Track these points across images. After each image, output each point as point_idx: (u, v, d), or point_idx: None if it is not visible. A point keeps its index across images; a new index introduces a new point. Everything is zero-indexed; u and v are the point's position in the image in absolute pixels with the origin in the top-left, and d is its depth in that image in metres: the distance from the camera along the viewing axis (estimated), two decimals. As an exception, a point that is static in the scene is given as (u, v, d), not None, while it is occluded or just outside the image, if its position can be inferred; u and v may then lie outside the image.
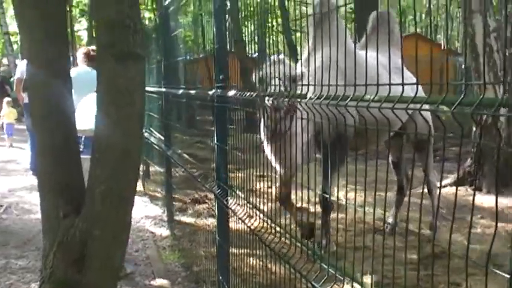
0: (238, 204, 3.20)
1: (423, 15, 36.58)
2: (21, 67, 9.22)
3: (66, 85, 2.86)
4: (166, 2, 6.29)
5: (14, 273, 5.08)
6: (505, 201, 6.78)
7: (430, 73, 1.39)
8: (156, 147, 7.18)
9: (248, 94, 2.95)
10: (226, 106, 3.60)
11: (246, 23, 3.82)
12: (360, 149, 4.93)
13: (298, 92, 2.62)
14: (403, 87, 1.53)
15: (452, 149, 9.76)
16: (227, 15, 4.04)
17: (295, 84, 3.95)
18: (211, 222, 4.55)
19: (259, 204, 3.00)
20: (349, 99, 1.72)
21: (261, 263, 3.68)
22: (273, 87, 3.45)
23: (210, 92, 3.72)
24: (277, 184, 4.50)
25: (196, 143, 12.51)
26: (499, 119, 7.34)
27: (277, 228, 2.62)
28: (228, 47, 3.84)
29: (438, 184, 6.30)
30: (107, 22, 2.62)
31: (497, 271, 1.30)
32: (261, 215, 2.85)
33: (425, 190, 5.68)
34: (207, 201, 6.17)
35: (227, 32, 3.74)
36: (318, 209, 4.81)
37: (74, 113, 3.05)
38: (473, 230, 5.36)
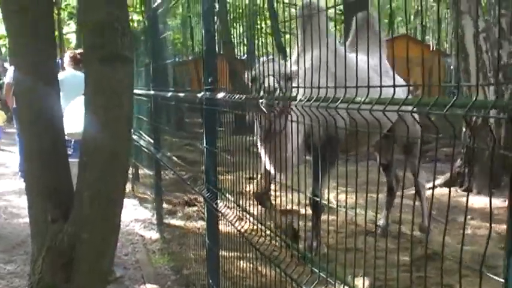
0: (228, 207, 3.18)
1: (412, 17, 36.76)
2: (11, 71, 9.17)
3: (53, 89, 2.84)
4: (155, 4, 6.27)
5: (3, 278, 5.04)
6: (495, 202, 6.80)
7: (422, 75, 1.38)
8: (146, 150, 7.14)
9: (237, 96, 2.93)
10: (215, 109, 3.58)
11: (234, 24, 3.80)
12: (350, 151, 4.93)
13: (292, 91, 2.61)
14: (394, 90, 1.52)
15: (443, 149, 9.78)
16: (216, 17, 4.02)
17: (290, 82, 3.92)
18: (201, 225, 4.53)
19: (249, 206, 2.98)
20: (339, 101, 1.70)
21: (251, 266, 3.66)
22: (267, 86, 3.44)
23: (199, 95, 3.70)
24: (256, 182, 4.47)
25: (185, 146, 12.47)
26: (489, 120, 7.37)
27: (267, 232, 2.60)
28: (216, 49, 3.82)
29: (428, 185, 6.32)
30: (95, 24, 2.61)
31: (492, 275, 1.29)
32: (251, 218, 2.83)
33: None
34: (196, 203, 6.16)
35: (216, 34, 3.72)
36: (309, 211, 4.80)
37: (62, 117, 3.02)
38: (465, 231, 5.35)
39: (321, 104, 1.83)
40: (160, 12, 6.20)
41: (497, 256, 4.61)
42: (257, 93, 3.73)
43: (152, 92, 6.39)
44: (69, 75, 6.63)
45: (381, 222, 5.84)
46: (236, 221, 2.95)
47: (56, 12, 23.23)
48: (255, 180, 4.45)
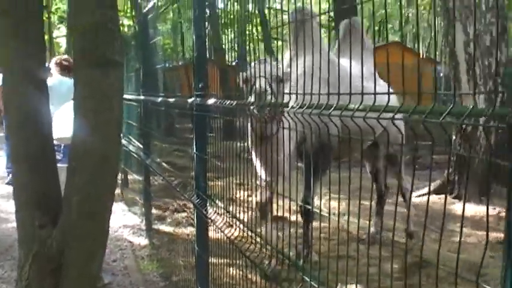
0: (218, 213, 3.16)
1: (403, 24, 36.91)
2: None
3: (43, 93, 2.81)
4: (146, 9, 6.25)
5: (-11, 283, 4.99)
6: (484, 209, 6.81)
7: (418, 83, 1.37)
8: (135, 155, 7.11)
9: (228, 102, 2.91)
10: (206, 114, 3.56)
11: (225, 31, 3.80)
12: (343, 157, 4.92)
13: (284, 97, 2.60)
14: (388, 97, 1.50)
15: (433, 157, 9.80)
16: (207, 23, 4.01)
17: (282, 84, 3.90)
18: (191, 231, 4.50)
19: (239, 213, 2.96)
20: (332, 108, 1.69)
21: (241, 273, 3.64)
22: (258, 88, 3.43)
23: (189, 100, 3.68)
24: (259, 192, 4.44)
25: (174, 151, 12.44)
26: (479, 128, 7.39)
27: (258, 239, 2.58)
28: (207, 55, 3.81)
29: (418, 193, 6.33)
30: (85, 28, 2.59)
31: (487, 286, 1.28)
32: (241, 226, 2.81)
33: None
34: (186, 209, 6.13)
35: (207, 40, 3.71)
36: (299, 218, 4.78)
37: (51, 122, 2.99)
38: (454, 238, 5.36)
39: (314, 111, 1.81)
40: (150, 17, 6.19)
41: (488, 264, 4.62)
42: (249, 94, 3.72)
43: (142, 97, 6.36)
44: (57, 82, 6.58)
45: (372, 229, 5.84)
46: (226, 227, 2.93)
47: (46, 16, 23.18)
48: (257, 192, 4.42)
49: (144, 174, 6.50)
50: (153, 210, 6.74)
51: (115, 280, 5.16)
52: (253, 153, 4.22)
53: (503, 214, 6.79)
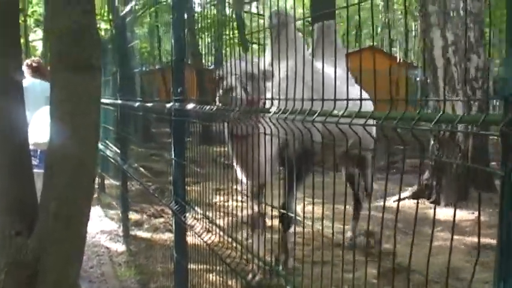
0: (196, 218, 3.13)
1: (379, 29, 37.20)
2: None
3: (18, 97, 2.76)
4: (123, 13, 6.20)
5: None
6: (462, 214, 6.86)
7: (406, 89, 1.35)
8: (112, 160, 7.04)
9: (208, 108, 2.88)
10: (185, 120, 3.52)
11: (202, 35, 3.77)
12: (325, 162, 4.91)
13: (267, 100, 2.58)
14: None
15: (409, 161, 9.85)
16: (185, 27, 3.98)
17: (258, 82, 3.84)
18: (169, 237, 4.46)
19: (218, 219, 2.94)
20: (316, 114, 1.67)
21: (220, 279, 3.61)
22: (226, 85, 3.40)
23: (168, 105, 3.63)
24: (246, 203, 4.36)
25: (151, 156, 12.37)
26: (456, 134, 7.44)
27: (235, 244, 2.56)
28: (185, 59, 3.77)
29: (394, 197, 6.35)
30: (62, 31, 2.55)
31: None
32: (220, 232, 2.78)
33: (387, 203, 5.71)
34: (163, 215, 6.07)
35: (185, 44, 3.68)
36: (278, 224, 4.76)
37: (27, 126, 2.94)
38: (432, 243, 5.37)
39: (297, 117, 1.79)
40: (128, 21, 6.13)
41: (466, 268, 4.65)
42: (222, 91, 3.68)
43: (119, 102, 6.29)
44: (30, 84, 6.53)
45: (349, 234, 5.85)
46: (204, 233, 2.90)
47: (22, 19, 22.95)
48: (228, 197, 4.38)
49: (121, 179, 6.43)
50: (131, 216, 6.67)
51: (92, 287, 5.09)
52: (233, 157, 4.16)
53: (480, 218, 6.84)
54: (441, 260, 4.73)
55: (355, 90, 3.33)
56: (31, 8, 29.43)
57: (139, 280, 5.21)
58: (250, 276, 2.28)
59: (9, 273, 2.66)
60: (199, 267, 3.71)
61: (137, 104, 5.33)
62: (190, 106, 3.20)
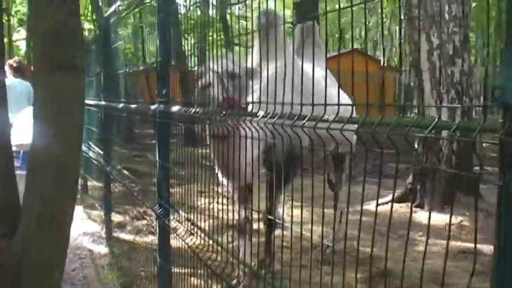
0: (179, 221, 3.11)
1: (362, 32, 37.32)
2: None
3: (1, 97, 2.73)
4: (107, 13, 6.16)
5: None
6: (447, 218, 6.88)
7: (396, 94, 1.35)
8: (95, 161, 6.99)
9: (193, 110, 2.85)
10: (169, 122, 3.49)
11: (187, 36, 3.74)
12: (309, 166, 4.91)
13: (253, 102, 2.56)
14: (367, 108, 1.49)
15: (391, 165, 9.88)
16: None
17: (239, 79, 3.80)
18: (152, 239, 4.43)
19: (201, 221, 2.92)
20: (306, 119, 1.65)
21: (203, 283, 3.59)
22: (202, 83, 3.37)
23: (152, 107, 3.60)
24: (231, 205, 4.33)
25: (134, 157, 12.31)
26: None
27: (219, 248, 2.55)
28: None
29: (380, 201, 6.35)
30: (45, 31, 2.52)
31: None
32: (202, 234, 2.77)
33: (368, 207, 5.73)
34: (146, 217, 6.04)
35: (170, 46, 3.65)
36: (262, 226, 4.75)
37: (10, 127, 2.91)
38: (416, 248, 5.40)
39: (286, 122, 1.77)
40: (112, 22, 6.10)
41: (454, 273, 4.66)
42: (199, 88, 3.66)
43: (103, 103, 6.25)
44: (11, 83, 6.52)
45: (330, 238, 5.86)
46: (187, 236, 2.89)
47: (6, 18, 22.78)
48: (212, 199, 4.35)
49: (104, 181, 6.38)
50: (113, 218, 6.63)
51: (74, 290, 5.06)
52: (214, 158, 4.12)
53: (465, 223, 6.89)
54: (427, 266, 4.75)
55: (335, 91, 3.34)
56: (14, 8, 29.23)
57: (122, 283, 5.17)
58: (234, 281, 2.26)
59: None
60: (183, 271, 3.69)
61: (121, 105, 5.30)
62: (175, 108, 3.17)
